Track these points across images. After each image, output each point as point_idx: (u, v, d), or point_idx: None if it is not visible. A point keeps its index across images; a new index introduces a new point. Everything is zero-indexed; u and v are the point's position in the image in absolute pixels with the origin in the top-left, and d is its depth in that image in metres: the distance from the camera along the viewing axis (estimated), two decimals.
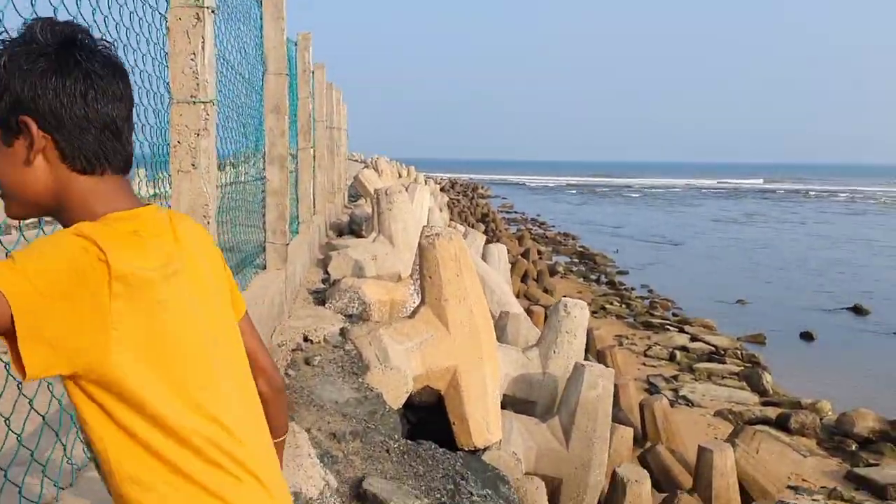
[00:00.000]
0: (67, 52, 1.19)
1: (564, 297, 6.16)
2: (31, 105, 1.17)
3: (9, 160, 1.21)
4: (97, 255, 1.10)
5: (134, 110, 1.32)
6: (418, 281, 6.02)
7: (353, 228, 10.62)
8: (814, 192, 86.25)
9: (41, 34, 1.19)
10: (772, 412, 10.85)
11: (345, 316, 5.46)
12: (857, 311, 19.21)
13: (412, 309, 5.96)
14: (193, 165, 2.42)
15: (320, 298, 5.95)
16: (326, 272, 6.87)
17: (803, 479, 8.76)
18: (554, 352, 5.97)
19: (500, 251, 9.60)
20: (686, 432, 9.02)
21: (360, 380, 4.18)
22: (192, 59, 2.37)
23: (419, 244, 4.96)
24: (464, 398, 4.79)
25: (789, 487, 8.21)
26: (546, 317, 13.55)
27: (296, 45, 7.08)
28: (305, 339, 4.69)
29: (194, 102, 2.39)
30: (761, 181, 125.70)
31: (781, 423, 10.37)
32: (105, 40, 1.28)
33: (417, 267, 6.08)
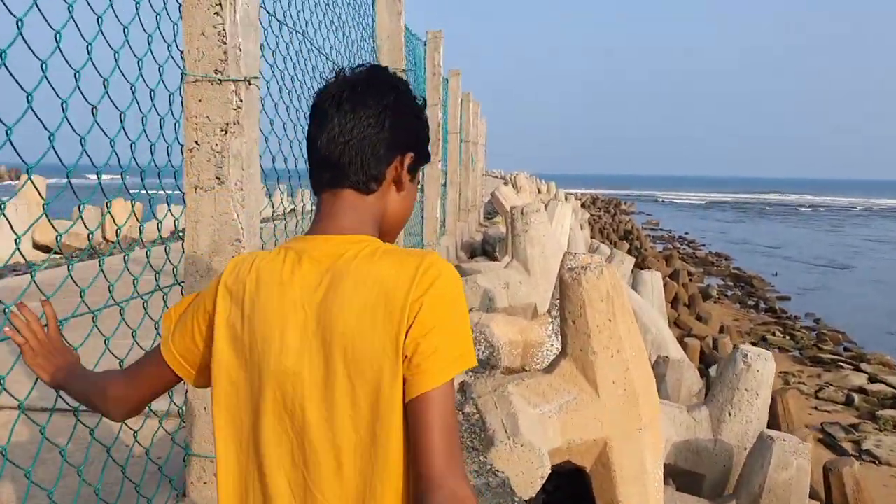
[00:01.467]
0: None
1: (742, 344, 4.95)
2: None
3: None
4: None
5: None
6: (557, 319, 5.00)
7: (486, 249, 9.71)
8: None
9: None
10: None
11: None
12: None
13: (548, 353, 4.94)
14: (219, 179, 1.56)
15: None
16: None
17: None
18: (729, 414, 4.77)
19: (654, 279, 8.36)
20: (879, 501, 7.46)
21: (481, 458, 3.22)
22: (216, 14, 1.52)
23: (560, 278, 3.94)
24: (616, 479, 3.72)
25: None
26: (703, 352, 12.19)
27: (425, 44, 6.27)
28: None
29: (220, 81, 1.54)
30: None
31: None
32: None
33: (557, 302, 5.06)
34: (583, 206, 39.66)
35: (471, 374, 4.38)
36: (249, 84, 1.60)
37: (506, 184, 20.13)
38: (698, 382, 6.48)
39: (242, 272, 1.33)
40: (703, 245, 37.70)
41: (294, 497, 1.27)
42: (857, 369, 14.00)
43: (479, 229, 12.57)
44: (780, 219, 65.89)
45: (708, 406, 4.93)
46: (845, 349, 16.10)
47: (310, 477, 1.25)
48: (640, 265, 18.33)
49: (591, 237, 21.49)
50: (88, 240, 1.70)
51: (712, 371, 7.33)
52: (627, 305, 3.91)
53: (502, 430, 3.43)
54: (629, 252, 23.54)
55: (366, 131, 1.31)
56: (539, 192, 28.88)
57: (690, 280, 23.02)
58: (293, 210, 4.06)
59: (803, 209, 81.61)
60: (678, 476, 4.90)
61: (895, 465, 9.42)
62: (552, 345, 5.08)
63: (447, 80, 8.64)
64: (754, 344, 15.69)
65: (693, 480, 4.84)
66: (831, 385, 12.79)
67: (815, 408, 11.56)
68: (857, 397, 12.11)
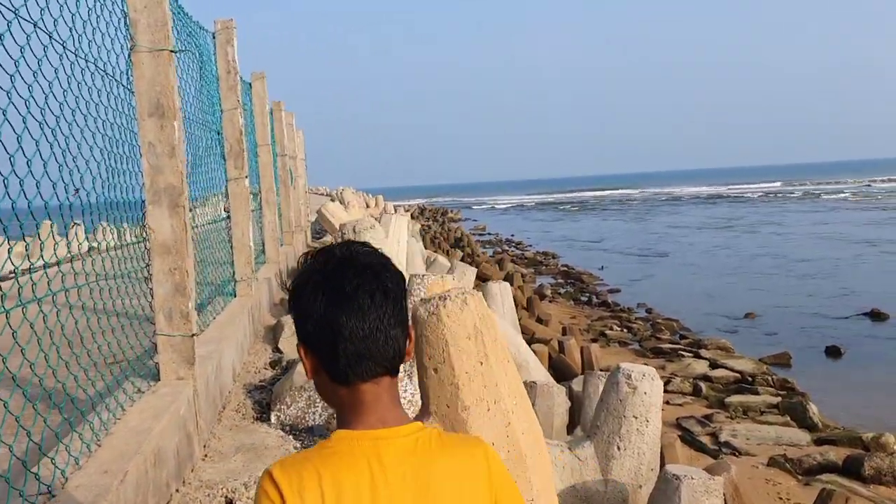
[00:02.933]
0: None
1: (623, 364, 4.25)
2: None
3: None
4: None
5: None
6: (411, 362, 4.05)
7: None
8: (798, 194, 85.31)
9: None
10: (834, 454, 9.03)
11: (298, 435, 3.49)
12: (876, 316, 17.61)
13: (404, 404, 4.00)
14: None
15: (265, 402, 3.94)
16: (277, 349, 4.87)
17: None
18: (618, 448, 4.05)
19: (503, 291, 7.62)
20: (758, 503, 7.13)
21: None
22: None
23: (414, 316, 3.01)
24: None
25: None
26: (551, 358, 11.72)
27: (213, 36, 5.15)
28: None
29: None
30: (723, 188, 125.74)
31: (851, 470, 8.57)
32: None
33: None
34: (412, 217, 39.26)
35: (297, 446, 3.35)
36: None
37: (332, 200, 19.07)
38: (566, 404, 5.79)
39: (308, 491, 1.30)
40: (530, 245, 38.35)
41: None
42: (698, 356, 14.16)
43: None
44: (595, 213, 69.01)
45: (593, 441, 4.18)
46: (681, 337, 16.37)
47: None
48: (477, 273, 17.86)
49: (425, 248, 20.85)
50: None
51: (575, 385, 6.71)
52: (500, 339, 3.05)
53: None
54: (462, 260, 23.16)
55: (398, 322, 1.40)
56: (368, 206, 28.01)
57: (524, 282, 22.96)
58: (93, 248, 3.49)
59: (614, 204, 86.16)
60: None
61: (754, 453, 9.30)
62: (405, 389, 4.16)
63: (250, 84, 7.53)
64: (594, 340, 15.58)
65: None
66: (677, 376, 12.78)
67: (668, 402, 11.37)
68: (703, 386, 12.13)
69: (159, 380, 3.06)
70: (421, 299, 3.14)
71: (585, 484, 4.06)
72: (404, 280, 1.47)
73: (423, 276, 4.17)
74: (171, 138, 2.95)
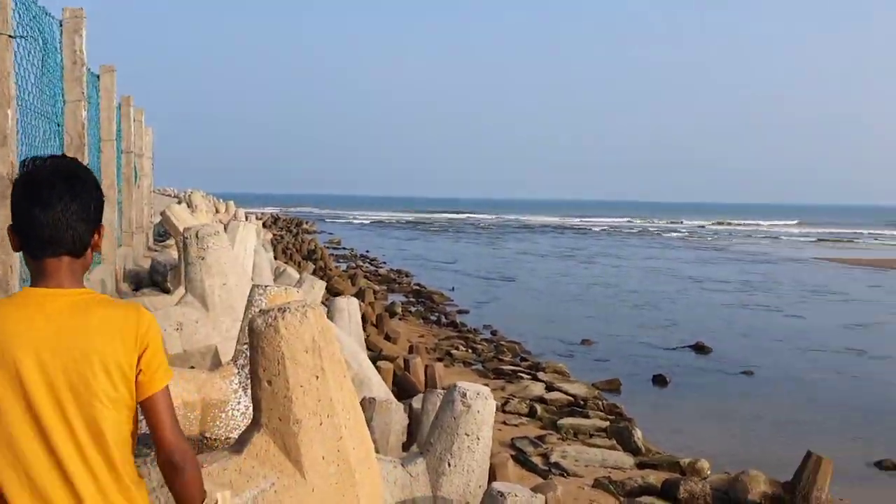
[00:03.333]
0: None
1: (459, 382, 4.36)
2: None
3: None
4: None
5: None
6: (245, 368, 4.03)
7: (155, 280, 8.28)
8: (634, 229, 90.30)
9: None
10: (654, 478, 9.60)
11: None
12: (699, 349, 18.93)
13: (234, 413, 3.95)
14: None
15: None
16: None
17: None
18: (449, 465, 4.14)
19: (350, 306, 7.61)
20: None
21: None
22: None
23: (250, 327, 2.97)
24: None
25: None
26: (396, 375, 11.80)
27: (60, 24, 4.87)
28: None
29: None
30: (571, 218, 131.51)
31: (668, 493, 9.13)
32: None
33: (244, 347, 4.08)
34: (264, 225, 38.38)
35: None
36: None
37: (179, 202, 18.36)
38: (403, 420, 5.86)
39: None
40: (385, 262, 38.47)
41: None
42: (535, 378, 14.66)
43: (147, 255, 10.95)
44: (449, 235, 70.23)
45: (425, 457, 4.26)
46: (522, 359, 16.91)
47: None
48: (328, 287, 17.73)
49: (275, 258, 20.45)
50: None
51: (415, 402, 6.80)
52: (338, 355, 3.07)
53: None
54: (314, 273, 22.90)
55: (81, 216, 1.92)
56: (217, 211, 27.14)
57: (376, 298, 23.00)
58: None
59: (468, 227, 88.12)
60: None
61: (581, 475, 9.73)
62: (239, 402, 4.08)
63: (99, 76, 7.17)
64: (439, 360, 15.84)
65: None
66: (515, 397, 13.17)
67: (504, 422, 11.72)
68: (539, 408, 12.56)
69: None
70: (259, 310, 3.12)
71: (415, 500, 4.13)
72: (98, 188, 2.01)
73: (265, 287, 4.12)
74: (2, 126, 2.77)
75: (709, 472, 9.95)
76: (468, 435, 4.20)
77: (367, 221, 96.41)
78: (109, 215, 7.13)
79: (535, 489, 6.93)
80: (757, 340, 20.43)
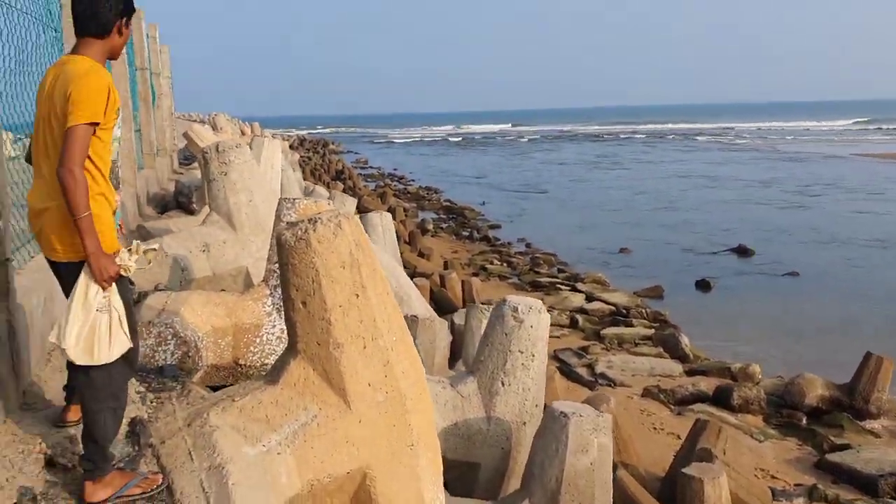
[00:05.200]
0: None
1: (509, 296, 4.00)
2: None
3: None
4: None
5: None
6: (279, 289, 3.70)
7: (180, 202, 7.96)
8: (670, 136, 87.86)
9: None
10: (704, 385, 9.32)
11: (145, 377, 3.03)
12: (742, 252, 18.42)
13: (270, 338, 3.63)
14: None
15: None
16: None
17: (772, 476, 7.19)
18: (502, 384, 3.82)
19: (384, 221, 7.24)
20: (634, 434, 7.20)
21: None
22: None
23: (278, 241, 2.60)
24: None
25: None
26: (432, 292, 11.51)
27: None
28: (50, 463, 2.30)
29: None
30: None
31: (721, 400, 8.85)
32: None
33: (276, 267, 3.72)
34: (290, 147, 37.95)
35: (153, 398, 2.90)
36: None
37: (203, 125, 17.94)
38: (448, 338, 5.55)
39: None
40: (413, 180, 37.98)
41: None
42: (575, 289, 14.35)
43: (172, 177, 10.62)
44: (474, 148, 69.21)
45: (476, 376, 3.94)
46: (559, 270, 16.57)
47: None
48: (359, 206, 17.39)
49: (304, 179, 20.10)
50: None
51: (457, 318, 6.49)
52: (379, 269, 2.69)
53: (203, 501, 2.07)
54: (343, 192, 22.56)
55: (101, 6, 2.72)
56: (243, 133, 26.71)
57: (406, 216, 22.67)
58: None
59: (499, 138, 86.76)
60: (446, 470, 3.89)
61: (628, 384, 9.47)
62: (274, 325, 3.76)
63: None
64: (475, 275, 15.52)
65: (467, 472, 3.86)
66: (555, 308, 12.87)
67: None
68: (580, 318, 12.28)
69: None
70: (287, 223, 2.74)
71: (468, 422, 3.83)
72: None
73: (294, 199, 3.75)
74: None
75: (761, 377, 9.63)
76: (522, 352, 3.86)
77: (410, 140, 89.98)
78: (126, 134, 6.76)
79: (587, 402, 6.65)
80: (801, 241, 19.85)
